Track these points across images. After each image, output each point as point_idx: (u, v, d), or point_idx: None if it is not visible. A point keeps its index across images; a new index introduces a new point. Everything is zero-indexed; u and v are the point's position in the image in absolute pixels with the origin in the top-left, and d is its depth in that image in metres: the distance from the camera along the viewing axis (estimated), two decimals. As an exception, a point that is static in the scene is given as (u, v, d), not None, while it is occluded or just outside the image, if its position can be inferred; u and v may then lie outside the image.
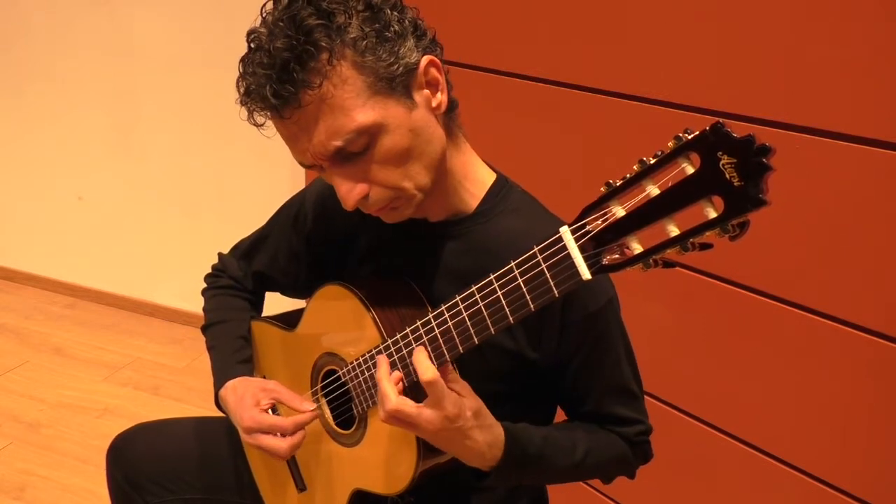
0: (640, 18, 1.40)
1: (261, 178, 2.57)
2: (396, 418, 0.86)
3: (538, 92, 1.57)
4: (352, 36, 0.84)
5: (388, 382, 0.87)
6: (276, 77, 0.82)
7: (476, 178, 1.01)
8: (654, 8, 1.38)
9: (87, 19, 2.75)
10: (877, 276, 1.20)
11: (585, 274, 0.71)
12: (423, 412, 0.84)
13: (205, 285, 1.30)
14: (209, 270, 1.31)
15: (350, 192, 0.89)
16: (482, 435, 0.89)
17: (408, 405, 0.85)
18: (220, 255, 1.30)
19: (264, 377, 1.20)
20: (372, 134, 0.86)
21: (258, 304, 1.29)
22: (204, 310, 1.26)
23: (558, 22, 1.51)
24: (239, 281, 1.27)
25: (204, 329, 1.24)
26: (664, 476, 1.51)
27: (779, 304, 1.32)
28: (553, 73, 1.54)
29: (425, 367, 0.84)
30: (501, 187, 1.01)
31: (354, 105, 0.84)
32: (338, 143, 0.85)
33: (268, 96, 0.83)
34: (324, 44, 0.82)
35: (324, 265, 1.14)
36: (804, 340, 1.30)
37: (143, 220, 2.92)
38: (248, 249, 1.25)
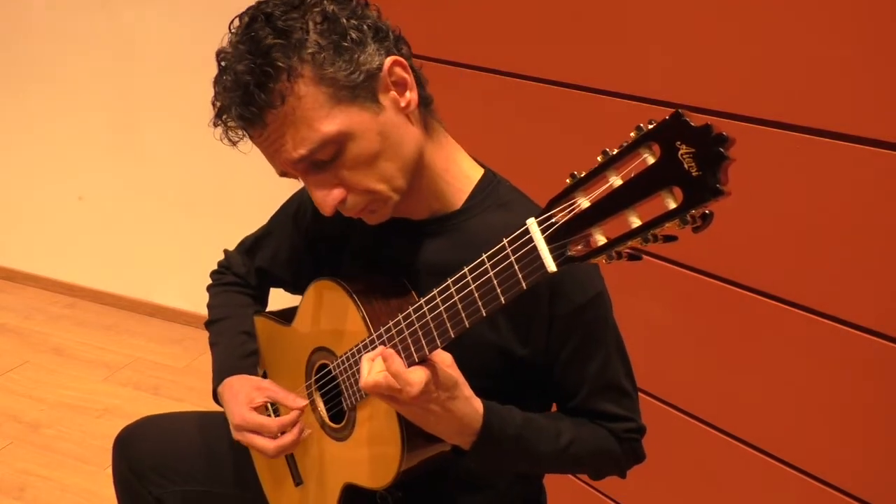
0: (633, 16, 1.40)
1: (261, 177, 2.56)
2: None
3: (531, 91, 1.57)
4: (310, 51, 0.86)
5: (368, 361, 0.86)
6: (240, 99, 0.86)
7: (460, 174, 1.01)
8: (649, 5, 1.38)
9: (87, 19, 2.75)
10: (877, 276, 1.20)
11: (551, 266, 0.70)
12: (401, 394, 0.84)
13: (210, 281, 1.31)
14: (212, 268, 1.32)
15: (325, 199, 0.92)
16: (459, 406, 0.87)
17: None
18: (225, 251, 1.32)
19: (265, 372, 1.22)
20: (339, 142, 0.88)
21: (262, 300, 1.30)
22: (208, 306, 1.28)
23: (553, 20, 1.51)
24: (243, 277, 1.28)
25: (207, 325, 1.26)
26: (664, 476, 1.51)
27: (779, 304, 1.32)
28: (546, 72, 1.54)
29: (363, 373, 0.84)
30: (489, 182, 1.01)
31: (318, 116, 0.87)
32: (302, 151, 0.88)
33: (234, 117, 0.88)
34: (281, 63, 0.85)
35: (322, 262, 1.15)
36: (804, 340, 1.30)
37: (143, 220, 2.92)
38: (251, 246, 1.27)
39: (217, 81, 0.90)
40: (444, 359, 0.86)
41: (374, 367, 0.84)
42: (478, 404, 0.90)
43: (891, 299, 1.20)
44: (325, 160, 0.89)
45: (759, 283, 1.34)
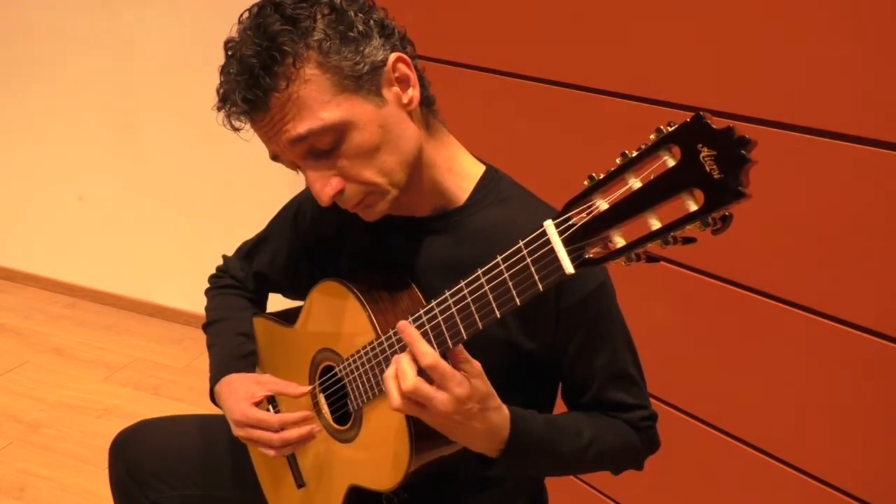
0: (634, 16, 1.40)
1: (261, 178, 2.57)
2: (411, 399, 0.82)
3: (531, 91, 1.57)
4: (316, 38, 0.87)
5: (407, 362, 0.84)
6: (245, 83, 0.87)
7: (463, 171, 1.02)
8: (650, 5, 1.38)
9: (87, 19, 2.75)
10: (877, 276, 1.20)
11: (569, 268, 0.70)
12: (438, 393, 0.81)
13: (208, 285, 1.31)
14: (210, 271, 1.32)
15: (324, 188, 0.92)
16: (491, 417, 0.87)
17: (425, 385, 0.82)
18: (224, 256, 1.32)
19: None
20: (340, 131, 0.89)
21: (260, 304, 1.30)
22: (206, 309, 1.28)
23: (553, 20, 1.51)
24: (240, 281, 1.28)
25: (205, 327, 1.26)
26: (664, 476, 1.51)
27: (779, 304, 1.32)
28: (546, 72, 1.54)
29: (423, 351, 0.81)
30: (490, 178, 1.02)
31: (322, 102, 0.87)
32: (301, 130, 0.88)
33: (238, 101, 0.88)
34: (287, 48, 0.86)
35: (320, 265, 1.15)
36: (804, 340, 1.30)
37: (143, 220, 2.92)
38: (249, 250, 1.27)
39: (223, 68, 0.91)
40: (473, 368, 0.84)
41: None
42: (506, 412, 0.90)
43: (891, 299, 1.20)
44: (325, 149, 0.90)
45: (759, 283, 1.34)
